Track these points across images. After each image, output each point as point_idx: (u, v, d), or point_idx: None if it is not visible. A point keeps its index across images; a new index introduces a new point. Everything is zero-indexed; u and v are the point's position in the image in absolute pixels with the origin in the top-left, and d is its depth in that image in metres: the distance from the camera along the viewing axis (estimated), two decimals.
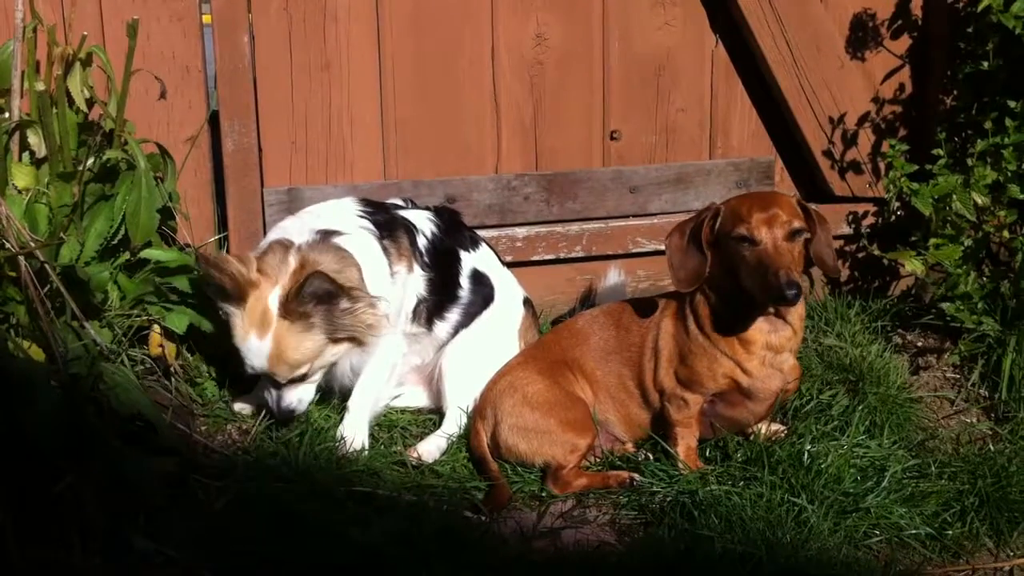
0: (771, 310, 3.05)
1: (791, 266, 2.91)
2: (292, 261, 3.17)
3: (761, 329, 3.08)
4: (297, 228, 3.31)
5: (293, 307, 3.11)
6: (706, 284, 3.13)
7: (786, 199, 3.06)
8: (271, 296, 3.13)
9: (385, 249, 3.35)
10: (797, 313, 3.09)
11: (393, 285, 3.35)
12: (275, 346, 3.14)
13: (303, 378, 3.24)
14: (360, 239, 3.31)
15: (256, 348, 3.16)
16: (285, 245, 3.23)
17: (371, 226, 3.35)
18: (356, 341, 3.24)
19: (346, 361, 3.33)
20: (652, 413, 3.26)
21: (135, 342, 3.32)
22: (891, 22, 4.17)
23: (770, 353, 3.09)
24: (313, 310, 3.12)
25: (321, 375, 3.30)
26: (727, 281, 3.05)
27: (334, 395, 3.48)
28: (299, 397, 3.27)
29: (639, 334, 3.27)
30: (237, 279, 3.11)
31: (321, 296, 3.11)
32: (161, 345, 3.35)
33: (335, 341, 3.20)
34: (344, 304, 3.15)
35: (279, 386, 3.24)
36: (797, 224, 2.97)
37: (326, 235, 3.26)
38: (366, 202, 3.47)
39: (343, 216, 3.36)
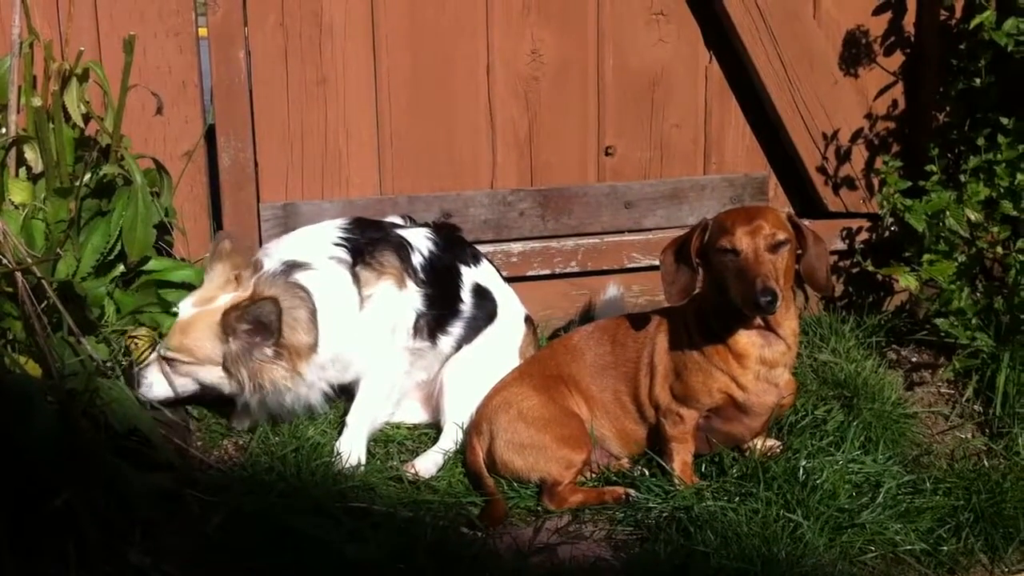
0: (760, 323, 3.06)
1: (768, 275, 2.91)
2: (252, 283, 3.23)
3: (755, 343, 3.08)
4: (272, 254, 3.34)
5: (230, 317, 3.13)
6: (699, 298, 3.15)
7: (773, 212, 3.07)
8: (226, 296, 3.22)
9: (356, 277, 3.33)
10: (790, 328, 3.10)
11: (363, 312, 3.33)
12: (188, 321, 3.21)
13: (174, 365, 3.23)
14: (325, 274, 3.28)
15: (182, 309, 3.25)
16: (257, 267, 3.28)
17: (346, 255, 3.33)
18: (237, 387, 3.21)
19: (319, 383, 3.33)
20: (648, 429, 3.27)
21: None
22: (884, 39, 4.20)
23: (764, 368, 3.10)
24: (240, 333, 3.14)
25: (188, 386, 3.27)
26: (717, 295, 3.06)
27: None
28: (153, 381, 3.25)
29: (634, 349, 3.28)
30: (221, 265, 3.26)
31: (258, 325, 3.13)
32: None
33: (226, 370, 3.20)
34: (265, 352, 3.16)
35: (158, 356, 3.25)
36: (780, 236, 2.98)
37: (290, 268, 3.26)
38: (357, 223, 3.46)
39: (318, 247, 3.35)
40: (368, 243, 3.39)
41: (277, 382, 3.19)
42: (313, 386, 3.30)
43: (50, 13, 3.55)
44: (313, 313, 3.21)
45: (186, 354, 3.20)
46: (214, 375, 3.21)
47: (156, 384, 3.25)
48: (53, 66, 3.29)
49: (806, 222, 3.18)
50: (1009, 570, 2.94)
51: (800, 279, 3.14)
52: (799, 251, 3.07)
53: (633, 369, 3.26)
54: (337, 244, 3.36)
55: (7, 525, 2.46)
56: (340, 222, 3.48)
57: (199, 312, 3.21)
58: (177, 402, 3.33)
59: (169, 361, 3.23)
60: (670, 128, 4.25)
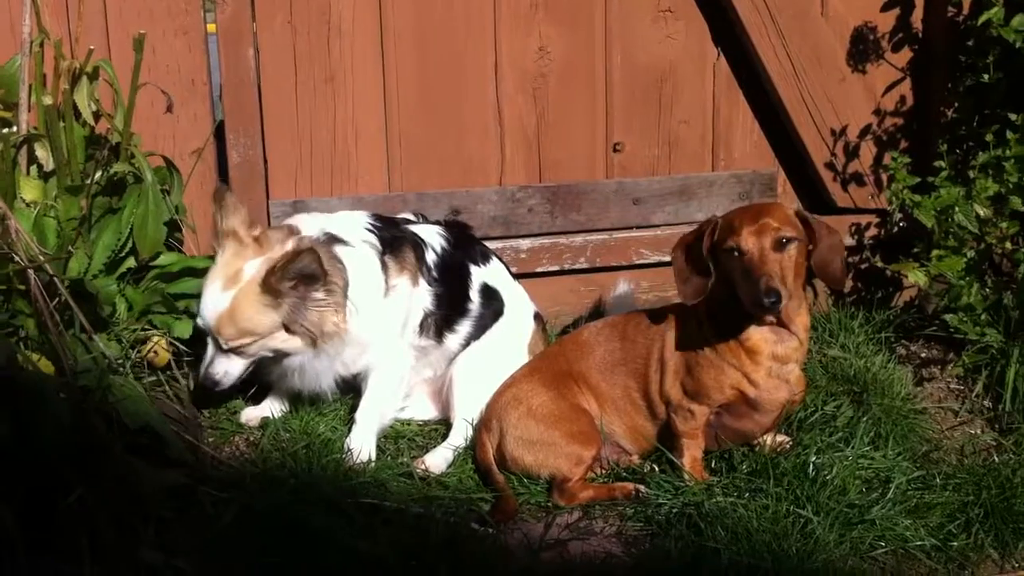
0: (772, 319, 3.07)
1: (773, 273, 2.91)
2: (290, 245, 3.20)
3: (766, 339, 3.09)
4: (310, 223, 3.34)
5: (271, 280, 3.11)
6: (711, 294, 3.15)
7: (780, 209, 3.07)
8: (252, 261, 3.16)
9: (384, 264, 3.35)
10: (802, 324, 3.11)
11: (386, 300, 3.35)
12: (232, 306, 3.14)
13: (241, 351, 3.21)
14: (361, 253, 3.32)
15: (213, 299, 3.15)
16: (293, 231, 3.27)
17: (376, 242, 3.36)
18: (309, 340, 3.21)
19: (336, 361, 3.33)
20: (658, 425, 3.27)
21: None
22: (892, 35, 4.19)
23: (776, 364, 3.10)
24: (288, 291, 3.12)
25: (256, 359, 3.25)
26: (727, 292, 3.07)
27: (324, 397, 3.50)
28: (227, 370, 3.22)
29: (645, 346, 3.28)
30: (227, 224, 3.19)
31: (305, 276, 3.11)
32: (166, 350, 3.35)
33: (289, 331, 3.18)
34: (318, 295, 3.15)
35: (216, 349, 3.21)
36: (787, 233, 2.97)
37: (331, 239, 3.28)
38: (378, 217, 3.48)
39: (352, 228, 3.36)
40: (392, 238, 3.41)
41: (339, 323, 3.21)
42: (336, 357, 3.31)
43: (60, 12, 3.56)
44: (346, 286, 3.22)
45: (248, 336, 3.16)
46: (281, 340, 3.20)
47: (227, 375, 3.23)
48: (63, 64, 3.31)
49: (818, 218, 3.16)
50: (1019, 565, 2.94)
51: (813, 274, 3.14)
52: (810, 246, 3.07)
53: (643, 365, 3.26)
54: (368, 231, 3.38)
55: (21, 521, 2.47)
56: (363, 213, 3.50)
57: (237, 292, 3.14)
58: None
59: (234, 350, 3.20)
60: (678, 124, 4.25)
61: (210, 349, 3.22)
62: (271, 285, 3.11)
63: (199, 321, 3.21)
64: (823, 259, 3.08)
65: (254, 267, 3.15)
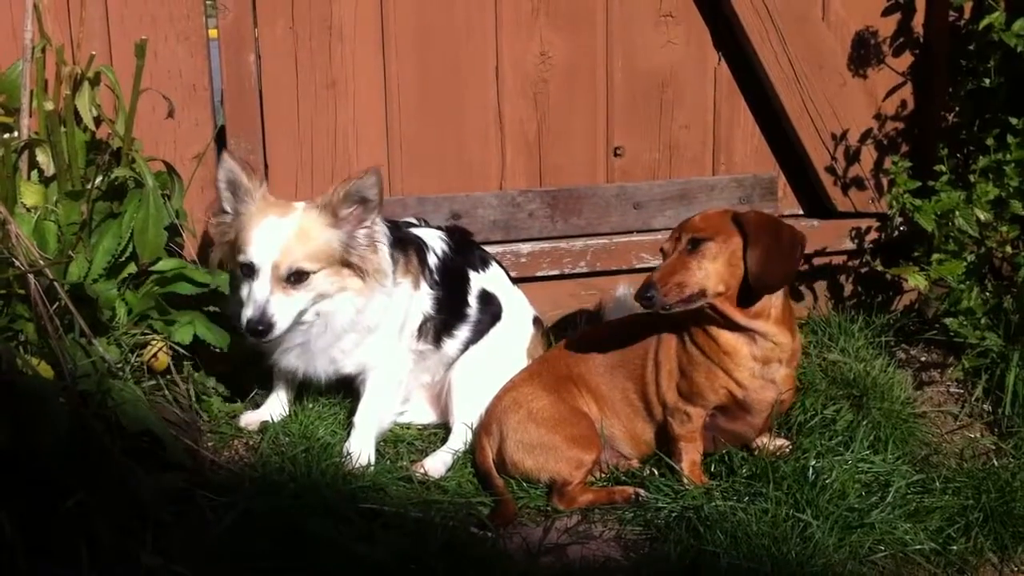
0: (720, 321, 3.08)
1: (660, 278, 3.01)
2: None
3: (740, 341, 3.10)
4: None
5: (331, 204, 3.14)
6: None
7: (710, 214, 3.14)
8: (296, 204, 3.21)
9: (393, 258, 3.37)
10: (764, 326, 3.09)
11: (394, 289, 3.37)
12: (299, 227, 3.12)
13: (301, 280, 3.12)
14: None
15: (271, 228, 3.11)
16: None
17: (389, 237, 3.37)
18: (359, 276, 3.21)
19: (334, 348, 3.33)
20: (656, 428, 3.27)
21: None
22: (893, 40, 4.20)
23: (758, 365, 3.11)
24: (348, 214, 3.16)
25: (310, 302, 3.17)
26: None
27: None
28: (283, 310, 3.10)
29: (641, 347, 3.29)
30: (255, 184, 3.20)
31: (364, 199, 3.16)
32: (166, 355, 3.35)
33: (345, 263, 3.19)
34: (373, 222, 3.21)
35: (272, 287, 3.09)
36: (695, 235, 3.04)
37: None
38: (383, 219, 3.48)
39: None
40: (396, 239, 3.41)
41: (381, 266, 3.24)
42: (342, 336, 3.31)
43: (62, 17, 3.56)
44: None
45: (314, 261, 3.13)
46: (334, 278, 3.19)
47: (282, 316, 3.10)
48: (65, 70, 3.32)
49: (753, 215, 3.13)
50: (1019, 569, 2.93)
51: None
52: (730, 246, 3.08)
53: (640, 367, 3.27)
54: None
55: (20, 526, 2.47)
56: None
57: (299, 215, 3.15)
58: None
59: (296, 275, 3.11)
60: (679, 129, 4.26)
61: (260, 290, 3.09)
62: (333, 206, 3.15)
63: (246, 259, 3.11)
64: (754, 260, 3.03)
65: (300, 205, 3.19)
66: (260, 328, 3.08)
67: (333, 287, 3.19)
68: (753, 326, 3.08)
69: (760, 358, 3.10)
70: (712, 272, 3.03)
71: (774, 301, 3.09)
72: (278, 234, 3.11)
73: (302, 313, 3.17)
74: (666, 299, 3.01)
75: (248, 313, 3.09)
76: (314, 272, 3.14)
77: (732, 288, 3.05)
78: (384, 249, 3.28)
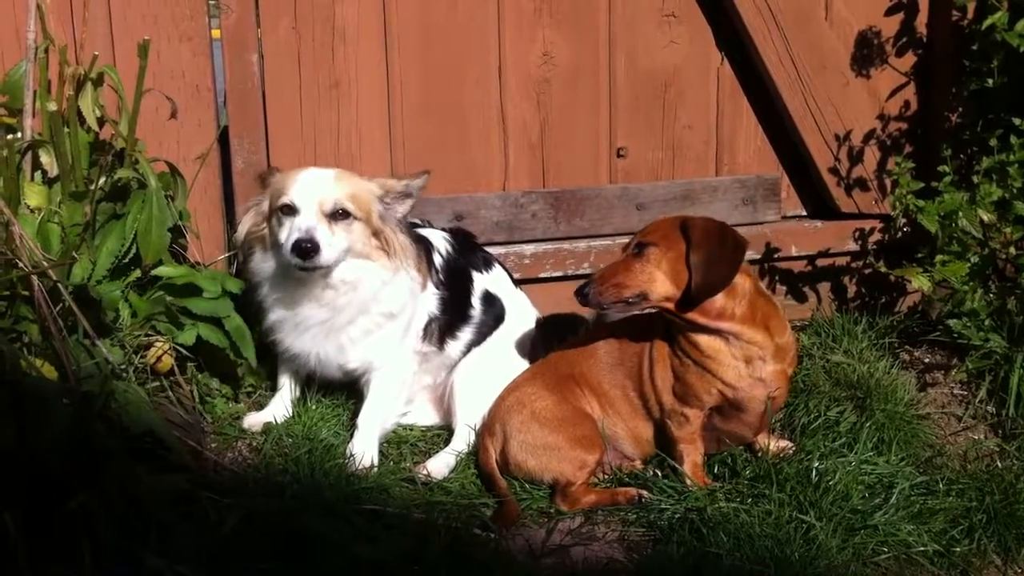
0: (685, 325, 3.10)
1: (603, 275, 3.08)
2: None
3: (718, 343, 3.11)
4: None
5: (380, 180, 3.33)
6: None
7: (660, 220, 3.18)
8: None
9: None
10: (732, 327, 3.08)
11: (412, 283, 3.40)
12: (339, 174, 3.27)
13: (345, 218, 3.18)
14: None
15: (315, 175, 3.25)
16: None
17: None
18: (386, 252, 3.28)
19: (343, 334, 3.35)
20: (655, 426, 3.27)
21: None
22: (896, 40, 4.20)
23: (742, 364, 3.11)
24: (390, 194, 3.31)
25: (350, 245, 3.21)
26: None
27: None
28: (327, 238, 3.14)
29: (639, 346, 3.29)
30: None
31: (409, 194, 3.33)
32: (170, 356, 3.35)
33: (376, 232, 3.27)
34: (406, 213, 3.35)
35: (314, 219, 3.13)
36: (642, 240, 3.10)
37: None
38: None
39: None
40: (412, 237, 3.43)
41: (407, 244, 3.33)
42: (387, 284, 3.34)
43: (65, 18, 3.56)
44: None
45: (354, 203, 3.20)
46: (369, 238, 3.26)
47: (327, 243, 3.13)
48: (68, 70, 3.32)
49: (699, 224, 3.12)
50: (1022, 571, 2.93)
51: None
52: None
53: (637, 364, 3.27)
54: None
55: (23, 526, 2.48)
56: None
57: (338, 170, 3.30)
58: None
59: (341, 212, 3.18)
60: (682, 129, 4.26)
61: (305, 220, 3.13)
62: (389, 188, 3.30)
63: (291, 199, 3.16)
64: (695, 264, 3.03)
65: None
66: (308, 246, 3.09)
67: (366, 247, 3.25)
68: (719, 327, 3.08)
69: (741, 357, 3.10)
70: (656, 276, 3.05)
71: (738, 301, 3.09)
72: (321, 177, 3.25)
73: (344, 253, 3.20)
74: (601, 298, 3.07)
75: (295, 236, 3.11)
76: (355, 216, 3.21)
77: (679, 293, 3.06)
78: (407, 238, 3.36)
